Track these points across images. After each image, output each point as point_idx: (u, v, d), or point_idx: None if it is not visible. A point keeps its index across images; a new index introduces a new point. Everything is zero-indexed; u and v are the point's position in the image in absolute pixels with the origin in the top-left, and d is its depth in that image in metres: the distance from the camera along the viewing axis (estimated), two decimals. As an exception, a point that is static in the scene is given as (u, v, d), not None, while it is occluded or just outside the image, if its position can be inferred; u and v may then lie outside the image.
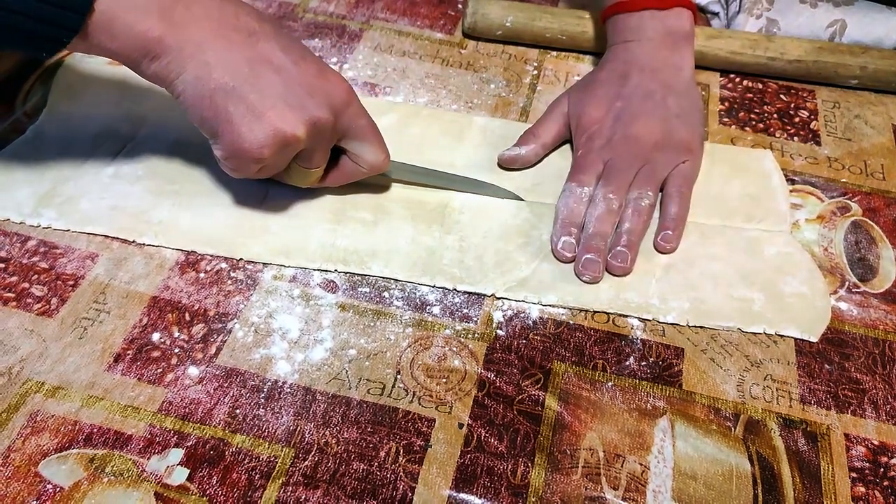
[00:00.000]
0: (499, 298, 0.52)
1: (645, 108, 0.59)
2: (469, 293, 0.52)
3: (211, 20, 0.46)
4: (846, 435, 0.46)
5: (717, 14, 0.77)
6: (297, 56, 0.48)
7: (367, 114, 0.52)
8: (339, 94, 0.49)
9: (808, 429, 0.47)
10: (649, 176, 0.57)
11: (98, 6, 0.42)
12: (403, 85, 0.67)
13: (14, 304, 0.49)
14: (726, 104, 0.68)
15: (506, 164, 0.60)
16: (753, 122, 0.67)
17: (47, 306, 0.49)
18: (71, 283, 0.50)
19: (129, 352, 0.47)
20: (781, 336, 0.51)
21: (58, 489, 0.41)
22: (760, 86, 0.70)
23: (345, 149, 0.53)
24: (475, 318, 0.51)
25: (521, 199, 0.58)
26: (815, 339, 0.51)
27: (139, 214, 0.54)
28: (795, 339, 0.51)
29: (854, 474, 0.45)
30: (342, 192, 0.57)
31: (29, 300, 0.49)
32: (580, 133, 0.60)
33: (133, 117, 0.61)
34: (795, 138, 0.65)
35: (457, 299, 0.52)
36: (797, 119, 0.67)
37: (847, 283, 0.54)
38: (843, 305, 0.53)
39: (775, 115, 0.67)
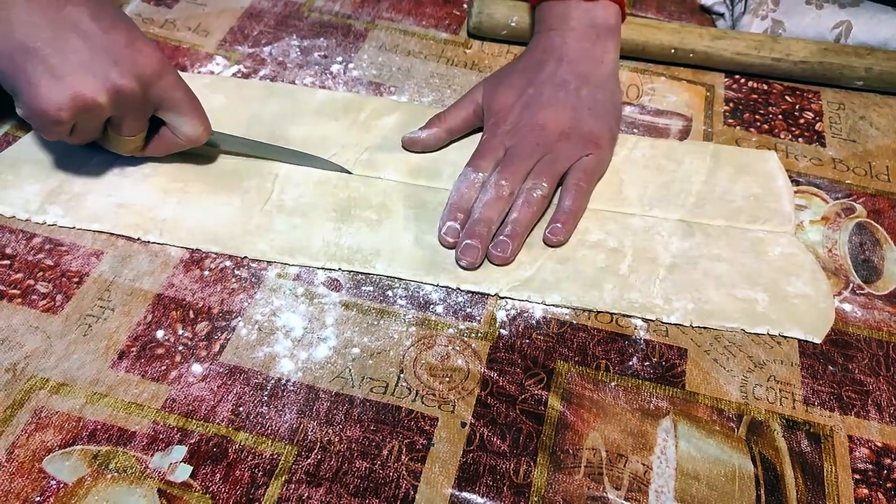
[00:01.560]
0: (502, 298, 0.52)
1: (556, 97, 0.59)
2: (472, 292, 0.52)
3: None
4: (849, 437, 0.46)
5: (722, 15, 0.77)
6: (107, 24, 0.49)
7: (186, 86, 0.53)
8: (149, 65, 0.49)
9: (812, 430, 0.47)
10: (548, 166, 0.56)
11: None
12: (408, 84, 0.67)
13: (19, 300, 0.49)
14: (731, 105, 0.68)
15: (406, 147, 0.60)
16: (758, 124, 0.66)
17: (52, 303, 0.49)
18: (76, 280, 0.51)
19: (133, 349, 0.47)
20: (785, 337, 0.51)
21: (61, 485, 0.41)
22: (765, 87, 0.70)
23: (164, 120, 0.53)
24: (478, 318, 0.51)
25: (350, 173, 0.58)
26: (818, 341, 0.51)
27: (144, 212, 0.54)
28: (799, 341, 0.51)
29: (857, 476, 0.45)
30: (346, 192, 0.57)
31: (34, 297, 0.49)
32: (489, 118, 0.59)
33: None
34: (800, 139, 0.65)
35: (460, 298, 0.52)
36: (802, 120, 0.67)
37: (851, 285, 0.54)
38: (847, 307, 0.53)
39: (780, 117, 0.67)
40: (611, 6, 0.62)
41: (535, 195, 0.54)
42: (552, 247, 0.54)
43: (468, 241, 0.52)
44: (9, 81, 0.47)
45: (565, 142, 0.57)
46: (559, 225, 0.54)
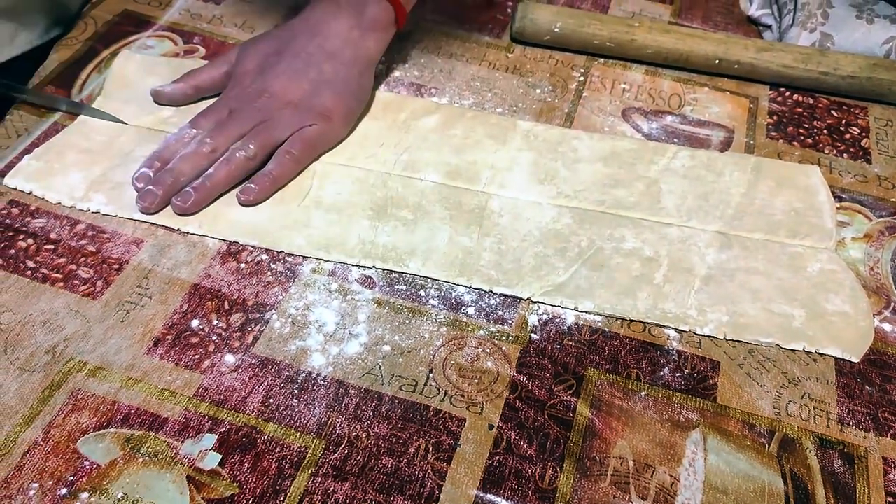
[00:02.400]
0: (534, 302, 0.52)
1: (294, 67, 0.59)
2: (505, 296, 0.52)
3: None
4: (884, 459, 0.45)
5: (769, 26, 0.76)
6: None
7: None
8: None
9: (845, 450, 0.46)
10: (263, 131, 0.56)
11: None
12: (449, 86, 0.67)
13: (61, 284, 0.50)
14: (775, 118, 0.67)
15: (154, 98, 0.61)
16: (802, 137, 0.65)
17: (92, 288, 0.50)
18: (116, 266, 0.52)
19: (168, 337, 0.48)
20: (821, 354, 0.50)
21: (94, 466, 0.42)
22: (811, 101, 0.69)
23: None
24: (510, 321, 0.51)
25: (124, 123, 0.59)
26: (856, 360, 0.50)
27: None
28: (836, 359, 0.50)
29: (891, 499, 0.44)
30: (384, 190, 0.57)
31: (75, 282, 0.50)
32: (231, 81, 0.60)
33: (183, 108, 0.62)
34: (845, 155, 0.64)
35: (492, 301, 0.52)
36: (848, 136, 0.66)
37: (893, 304, 0.53)
38: (888, 327, 0.52)
39: (825, 131, 0.66)
40: (387, 7, 0.61)
41: (237, 155, 0.54)
42: (242, 205, 0.55)
43: (149, 188, 0.53)
44: None
45: (290, 111, 0.57)
46: (253, 185, 0.55)
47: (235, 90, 0.59)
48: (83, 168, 0.57)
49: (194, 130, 0.56)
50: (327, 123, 0.58)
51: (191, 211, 0.53)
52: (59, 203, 0.55)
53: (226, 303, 0.50)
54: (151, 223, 0.54)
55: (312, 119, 0.57)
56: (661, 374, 0.49)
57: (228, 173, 0.54)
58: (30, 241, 0.53)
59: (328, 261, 0.53)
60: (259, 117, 0.56)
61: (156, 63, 0.66)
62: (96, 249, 0.52)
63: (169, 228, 0.54)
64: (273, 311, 0.50)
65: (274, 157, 0.56)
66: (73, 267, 0.51)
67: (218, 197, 0.55)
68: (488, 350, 0.49)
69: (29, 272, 0.51)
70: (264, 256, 0.53)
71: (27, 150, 0.58)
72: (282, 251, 0.53)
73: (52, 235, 0.53)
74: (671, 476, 0.44)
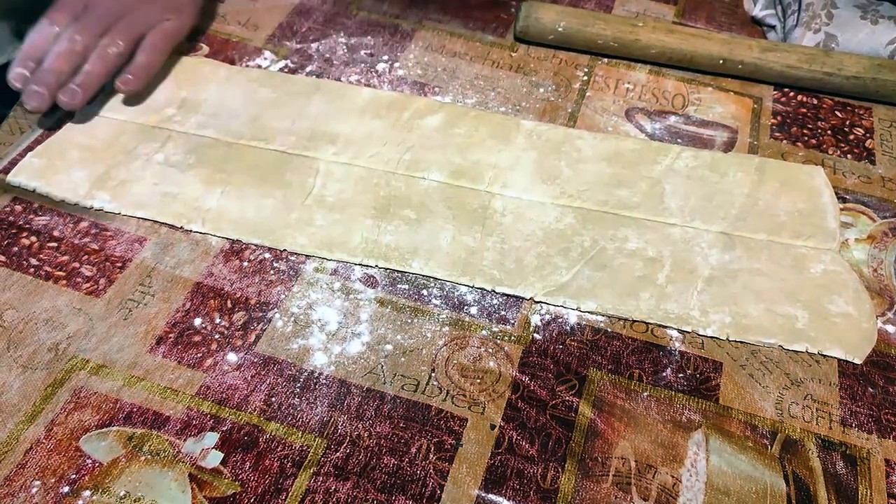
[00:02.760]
0: (537, 302, 0.52)
1: None
2: (507, 295, 0.52)
3: None
4: (887, 461, 0.45)
5: (773, 27, 0.75)
6: None
7: None
8: None
9: (848, 452, 0.46)
10: (126, 28, 0.59)
11: None
12: (453, 85, 0.67)
13: (64, 282, 0.50)
14: (779, 118, 0.67)
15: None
16: (806, 138, 0.65)
17: (95, 286, 0.50)
18: (119, 264, 0.52)
19: (171, 335, 0.48)
20: (824, 356, 0.50)
21: (97, 464, 0.42)
22: (815, 101, 0.69)
23: None
24: (512, 321, 0.51)
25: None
26: (859, 361, 0.50)
27: (189, 202, 0.55)
28: (839, 360, 0.50)
29: (893, 501, 0.44)
30: (385, 188, 0.57)
31: (78, 279, 0.51)
32: None
33: (188, 105, 0.62)
34: (849, 156, 0.64)
35: (495, 301, 0.52)
36: (852, 136, 0.66)
37: None
38: (891, 328, 0.52)
39: (829, 132, 0.66)
40: None
41: (109, 51, 0.58)
42: (123, 93, 0.60)
43: (35, 88, 0.56)
44: None
45: (147, 6, 0.61)
46: (129, 76, 0.59)
47: None
48: (86, 165, 0.57)
49: (56, 28, 0.58)
50: (181, 17, 0.64)
51: (78, 107, 0.57)
52: (63, 200, 0.55)
53: (228, 301, 0.50)
54: (154, 221, 0.54)
55: (167, 14, 0.63)
56: (664, 374, 0.49)
57: (105, 68, 0.58)
58: (33, 238, 0.53)
59: (331, 260, 0.53)
60: (117, 12, 0.60)
61: (159, 61, 0.66)
62: (99, 247, 0.52)
63: (172, 226, 0.54)
64: (275, 309, 0.50)
65: (140, 49, 0.60)
66: (76, 265, 0.51)
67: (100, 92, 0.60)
68: (490, 350, 0.49)
69: (32, 270, 0.51)
70: (267, 255, 0.53)
71: (30, 148, 0.58)
72: (284, 250, 0.53)
73: (56, 233, 0.53)
74: (673, 477, 0.44)
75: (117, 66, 0.59)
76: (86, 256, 0.52)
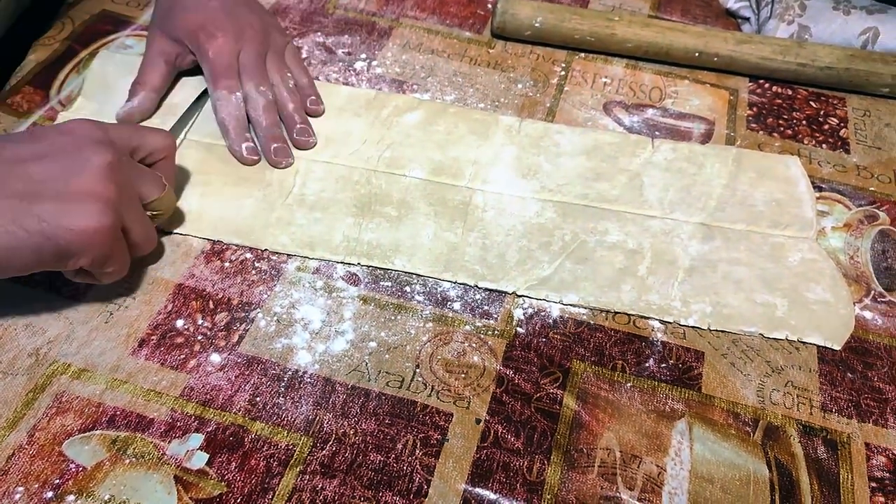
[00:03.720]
0: (520, 296, 0.52)
1: (236, 6, 0.62)
2: (490, 290, 0.52)
3: None
4: (867, 444, 0.46)
5: (747, 19, 0.76)
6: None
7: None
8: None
9: (829, 437, 0.46)
10: (279, 59, 0.62)
11: None
12: (431, 83, 0.67)
13: (44, 286, 0.50)
14: (755, 109, 0.68)
15: (125, 120, 0.59)
16: (781, 129, 0.66)
17: (76, 290, 0.50)
18: (99, 268, 0.51)
19: (153, 337, 0.48)
20: (804, 343, 0.51)
21: (80, 468, 0.42)
22: (790, 92, 0.70)
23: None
24: (495, 315, 0.51)
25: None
26: (838, 347, 0.50)
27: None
28: (818, 347, 0.50)
29: (874, 484, 0.44)
30: (365, 186, 0.57)
31: (58, 283, 0.50)
32: (195, 44, 0.60)
33: (166, 108, 0.61)
34: (824, 146, 0.65)
35: (478, 296, 0.52)
36: (826, 126, 0.67)
37: (872, 292, 0.54)
38: (868, 314, 0.53)
39: (804, 122, 0.67)
40: None
41: (290, 85, 0.61)
42: (316, 116, 0.62)
43: (276, 145, 0.58)
44: None
45: (274, 33, 0.64)
46: (314, 97, 0.63)
47: (215, 43, 0.59)
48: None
49: (236, 93, 0.59)
50: (284, 34, 0.66)
51: (315, 141, 0.60)
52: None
53: (210, 302, 0.50)
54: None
55: (283, 35, 0.65)
56: (647, 365, 0.49)
57: (301, 101, 0.62)
58: (10, 243, 0.52)
59: (313, 258, 0.53)
60: (262, 50, 0.61)
61: (135, 63, 0.65)
62: (78, 251, 0.52)
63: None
64: (258, 309, 0.50)
65: (297, 73, 0.63)
66: (55, 269, 0.51)
67: None
68: (474, 345, 0.49)
69: (10, 275, 0.50)
70: (248, 255, 0.53)
71: (6, 152, 0.57)
72: (266, 250, 0.53)
73: (34, 237, 0.53)
74: (658, 466, 0.44)
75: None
76: (65, 260, 0.51)
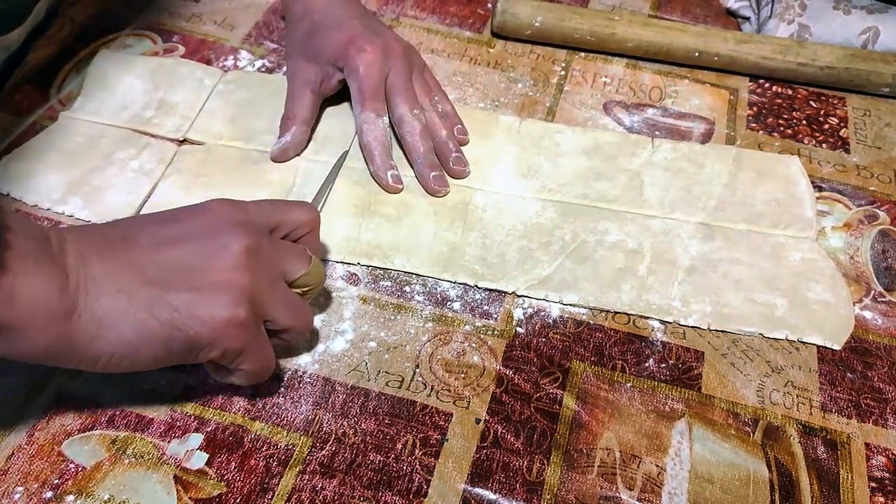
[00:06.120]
0: (519, 296, 0.52)
1: (376, 25, 0.62)
2: (490, 290, 0.52)
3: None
4: (867, 444, 0.46)
5: (747, 19, 0.76)
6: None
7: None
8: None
9: (829, 437, 0.46)
10: (422, 81, 0.60)
11: None
12: (431, 82, 0.67)
13: (43, 286, 0.50)
14: (755, 109, 0.68)
15: (279, 159, 0.58)
16: (781, 128, 0.66)
17: (75, 290, 0.50)
18: (98, 267, 0.51)
19: (153, 337, 0.48)
20: (804, 343, 0.50)
21: (80, 468, 0.42)
22: (790, 91, 0.70)
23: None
24: (495, 315, 0.51)
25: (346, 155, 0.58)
26: (838, 347, 0.50)
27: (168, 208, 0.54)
28: (818, 347, 0.50)
29: (874, 484, 0.44)
30: (367, 187, 0.57)
31: (57, 283, 0.50)
32: (346, 60, 0.58)
33: (165, 107, 0.61)
34: (824, 145, 0.65)
35: (477, 296, 0.52)
36: (826, 126, 0.66)
37: (873, 292, 0.54)
38: (868, 314, 0.53)
39: (804, 122, 0.67)
40: None
41: (440, 109, 0.60)
42: (463, 145, 0.60)
43: (434, 174, 0.57)
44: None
45: (412, 55, 0.62)
46: (460, 126, 0.61)
47: (361, 63, 0.57)
48: (62, 170, 0.56)
49: (383, 117, 0.57)
50: (418, 52, 0.64)
51: (469, 170, 0.58)
52: (37, 205, 0.54)
53: (210, 302, 0.50)
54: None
55: (418, 55, 0.63)
56: (646, 365, 0.49)
57: (453, 125, 0.61)
58: (10, 243, 0.52)
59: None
60: (409, 71, 0.59)
61: (135, 62, 0.65)
62: (78, 250, 0.52)
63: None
64: (258, 309, 0.50)
65: (440, 100, 0.61)
66: (55, 268, 0.51)
67: None
68: (474, 344, 0.49)
69: (10, 274, 0.50)
70: (248, 255, 0.53)
71: (6, 151, 0.57)
72: (265, 249, 0.53)
73: (33, 237, 0.52)
74: (657, 466, 0.44)
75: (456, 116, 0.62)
76: (64, 260, 0.51)
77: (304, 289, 0.45)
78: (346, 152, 0.58)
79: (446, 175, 0.57)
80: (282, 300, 0.42)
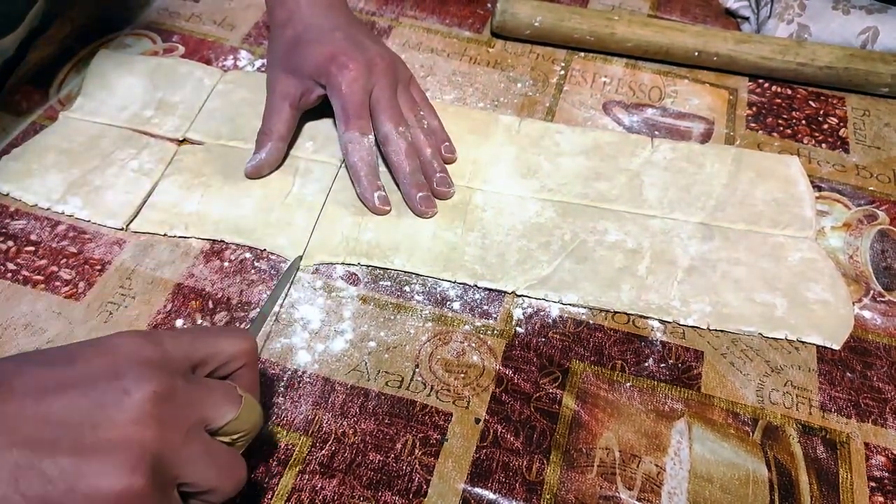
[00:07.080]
0: (519, 296, 0.52)
1: (361, 37, 0.59)
2: (489, 290, 0.52)
3: None
4: (866, 444, 0.46)
5: (747, 18, 0.76)
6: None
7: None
8: None
9: (828, 436, 0.46)
10: (407, 97, 0.59)
11: None
12: (431, 82, 0.67)
13: (43, 286, 0.50)
14: (754, 109, 0.68)
15: (253, 176, 0.57)
16: (781, 128, 0.66)
17: (75, 290, 0.50)
18: (98, 267, 0.51)
19: (152, 337, 0.48)
20: (803, 342, 0.51)
21: None
22: (789, 91, 0.70)
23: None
24: (495, 315, 0.51)
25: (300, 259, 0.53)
26: (837, 347, 0.50)
27: (169, 209, 0.54)
28: (817, 346, 0.50)
29: (873, 484, 0.44)
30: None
31: (57, 283, 0.50)
32: (328, 77, 0.56)
33: (165, 106, 0.61)
34: (823, 145, 0.65)
35: (477, 295, 0.52)
36: (826, 126, 0.67)
37: (872, 292, 0.54)
38: (867, 314, 0.53)
39: (804, 122, 0.67)
40: None
41: (426, 125, 0.59)
42: (449, 163, 0.59)
43: (421, 194, 0.55)
44: None
45: (398, 67, 0.60)
46: (448, 143, 0.60)
47: (344, 78, 0.55)
48: (62, 169, 0.56)
49: (368, 136, 0.55)
50: (406, 66, 0.63)
51: (453, 192, 0.57)
52: (36, 205, 0.54)
53: (210, 301, 0.50)
54: (135, 231, 0.53)
55: (405, 70, 0.61)
56: (646, 364, 0.49)
57: (437, 141, 0.59)
58: (10, 242, 0.52)
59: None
60: (393, 85, 0.58)
61: (135, 62, 0.65)
62: (77, 250, 0.52)
63: (155, 234, 0.54)
64: (257, 309, 0.50)
65: (427, 114, 0.60)
66: (55, 268, 0.51)
67: None
68: (474, 344, 0.49)
69: (10, 274, 0.50)
70: (248, 255, 0.53)
71: (5, 151, 0.57)
72: (265, 249, 0.53)
73: (33, 237, 0.53)
74: (657, 466, 0.44)
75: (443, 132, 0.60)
76: (64, 260, 0.51)
77: (235, 436, 0.36)
78: (300, 257, 0.52)
79: (432, 196, 0.56)
80: (201, 456, 0.34)
